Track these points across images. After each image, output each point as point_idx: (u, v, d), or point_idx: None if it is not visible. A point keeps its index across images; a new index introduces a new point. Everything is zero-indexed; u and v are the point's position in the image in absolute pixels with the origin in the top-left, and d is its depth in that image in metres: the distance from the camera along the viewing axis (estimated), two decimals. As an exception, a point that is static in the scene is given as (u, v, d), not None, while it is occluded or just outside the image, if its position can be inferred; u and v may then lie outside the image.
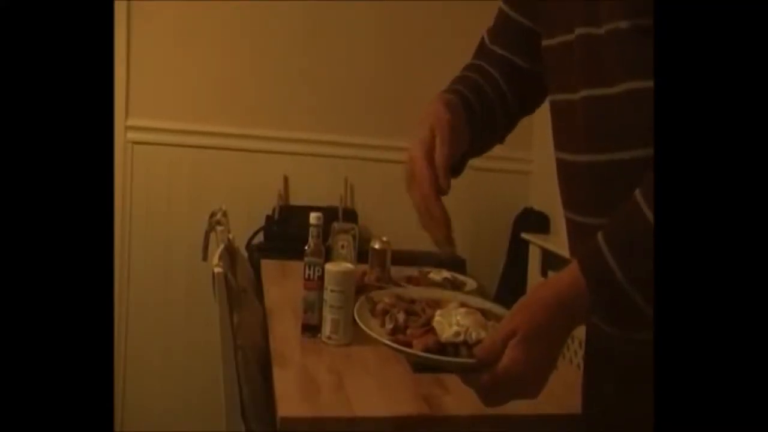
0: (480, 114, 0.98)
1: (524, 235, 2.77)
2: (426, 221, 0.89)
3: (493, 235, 2.94)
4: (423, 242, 3.07)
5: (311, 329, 1.65)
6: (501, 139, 1.08)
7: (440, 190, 0.88)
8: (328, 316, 1.61)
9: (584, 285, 0.76)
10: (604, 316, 0.81)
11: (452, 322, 0.85)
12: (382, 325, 0.92)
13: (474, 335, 0.83)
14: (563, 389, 0.82)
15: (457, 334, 0.84)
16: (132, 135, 2.74)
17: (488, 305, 0.96)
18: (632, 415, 0.85)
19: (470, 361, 0.81)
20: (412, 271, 2.17)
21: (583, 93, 0.86)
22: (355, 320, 0.94)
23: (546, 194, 2.81)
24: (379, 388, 1.42)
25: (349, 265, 1.69)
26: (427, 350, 0.84)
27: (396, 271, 2.07)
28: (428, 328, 0.87)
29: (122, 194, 2.74)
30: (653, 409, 0.61)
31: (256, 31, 2.79)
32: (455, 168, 1.03)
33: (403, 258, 2.31)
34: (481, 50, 1.08)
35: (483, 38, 1.08)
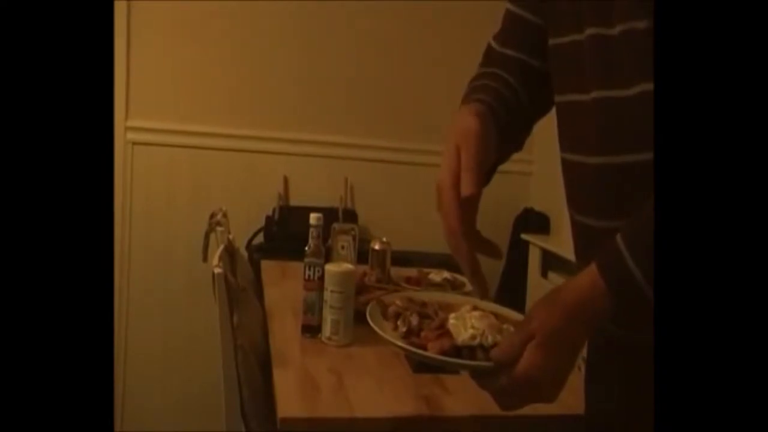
0: (505, 124, 0.96)
1: (524, 236, 2.77)
2: (454, 254, 0.89)
3: (493, 236, 2.89)
4: (423, 242, 3.07)
5: (311, 330, 1.65)
6: (520, 146, 1.06)
7: (468, 223, 0.88)
8: (328, 316, 1.60)
9: (603, 288, 0.75)
10: (624, 320, 0.80)
11: (467, 325, 0.85)
12: (395, 328, 0.91)
13: (490, 338, 0.82)
14: (565, 389, 0.81)
15: (473, 337, 0.83)
16: (132, 135, 2.74)
17: (500, 309, 0.96)
18: (634, 417, 0.85)
19: (488, 364, 0.80)
20: (412, 272, 2.17)
21: (595, 94, 0.86)
22: (366, 322, 0.92)
23: (546, 195, 2.81)
24: (379, 388, 1.42)
25: (349, 266, 1.69)
26: (443, 353, 0.83)
27: (396, 272, 2.08)
28: (443, 331, 0.86)
29: (122, 194, 2.74)
30: (655, 410, 0.61)
31: (257, 31, 2.79)
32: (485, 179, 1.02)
33: (403, 258, 2.31)
34: (491, 56, 1.05)
35: (490, 44, 1.06)
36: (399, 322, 0.91)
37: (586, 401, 1.01)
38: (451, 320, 0.87)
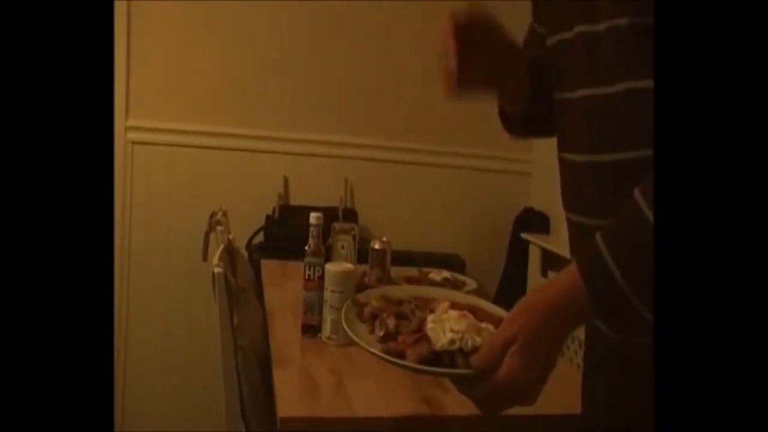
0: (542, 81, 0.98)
1: (524, 235, 2.77)
2: (441, 58, 0.90)
3: (493, 235, 2.94)
4: (423, 242, 3.06)
5: (311, 329, 1.65)
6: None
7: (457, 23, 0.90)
8: (328, 316, 1.61)
9: (583, 287, 0.74)
10: (603, 320, 0.80)
11: (446, 328, 0.83)
12: (372, 331, 0.89)
13: (470, 342, 0.80)
14: (563, 389, 0.81)
15: (452, 341, 0.81)
16: (132, 135, 2.74)
17: (478, 301, 0.95)
18: (631, 419, 0.85)
19: (468, 371, 0.79)
20: (412, 271, 2.17)
21: (582, 92, 0.86)
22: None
23: (546, 194, 2.81)
24: (379, 388, 1.42)
25: (349, 266, 1.69)
26: (421, 360, 0.81)
27: (396, 271, 2.08)
28: (420, 334, 0.84)
29: (122, 194, 2.74)
30: (652, 413, 0.60)
31: (256, 30, 2.79)
32: (517, 124, 1.04)
33: (404, 258, 2.31)
34: None
35: None
36: (376, 325, 0.89)
37: (582, 402, 1.01)
38: (429, 324, 0.85)
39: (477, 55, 0.89)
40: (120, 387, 2.82)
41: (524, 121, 1.04)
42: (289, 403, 1.32)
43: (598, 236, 0.75)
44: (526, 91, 0.99)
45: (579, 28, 0.85)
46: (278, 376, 1.44)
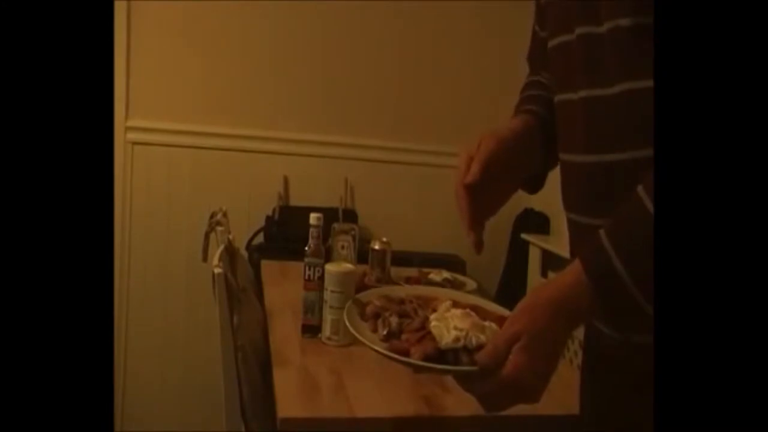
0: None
1: (524, 236, 2.77)
2: (458, 213, 0.94)
3: (493, 236, 2.92)
4: (423, 242, 3.05)
5: (311, 330, 1.65)
6: None
7: (468, 185, 0.92)
8: (328, 316, 1.61)
9: (587, 284, 0.75)
10: (606, 317, 0.80)
11: (450, 326, 0.83)
12: (374, 329, 0.89)
13: (474, 340, 0.81)
14: (563, 389, 0.81)
15: (457, 339, 0.81)
16: (132, 135, 2.74)
17: (479, 301, 0.95)
18: (630, 419, 0.85)
19: (473, 369, 0.79)
20: (412, 272, 2.17)
21: (583, 93, 0.86)
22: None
23: (546, 195, 2.79)
24: (379, 388, 1.41)
25: (349, 266, 1.69)
26: (426, 358, 0.81)
27: (396, 272, 2.08)
28: (424, 332, 0.84)
29: (122, 194, 2.74)
30: (652, 413, 0.60)
31: (256, 31, 2.79)
32: (535, 184, 1.10)
33: (404, 258, 2.31)
34: (532, 64, 1.12)
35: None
36: (379, 323, 0.89)
37: (581, 402, 1.01)
38: (433, 322, 0.85)
39: (491, 187, 0.94)
40: (120, 387, 2.82)
41: (540, 179, 1.10)
42: (289, 403, 1.32)
43: (601, 231, 0.75)
44: (537, 158, 1.03)
45: (580, 30, 0.85)
46: (278, 376, 1.44)
